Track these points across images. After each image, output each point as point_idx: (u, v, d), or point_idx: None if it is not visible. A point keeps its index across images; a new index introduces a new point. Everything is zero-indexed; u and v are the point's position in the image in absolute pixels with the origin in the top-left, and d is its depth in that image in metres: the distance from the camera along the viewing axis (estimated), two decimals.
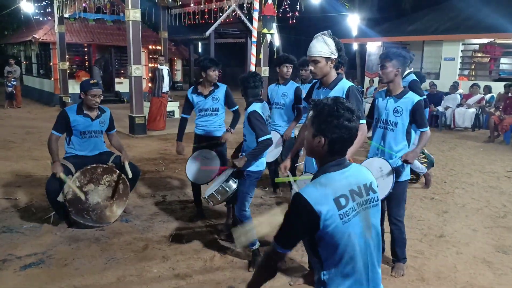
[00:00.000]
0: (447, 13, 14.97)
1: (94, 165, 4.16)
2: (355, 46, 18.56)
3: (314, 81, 3.36)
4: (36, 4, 16.71)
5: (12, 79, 13.62)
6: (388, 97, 3.41)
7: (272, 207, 5.01)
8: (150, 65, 16.32)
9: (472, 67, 13.96)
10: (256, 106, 3.43)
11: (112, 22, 16.26)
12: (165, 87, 10.06)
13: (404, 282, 3.39)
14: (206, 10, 11.68)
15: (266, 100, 4.96)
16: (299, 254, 3.69)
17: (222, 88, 4.44)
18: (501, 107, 9.95)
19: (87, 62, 16.35)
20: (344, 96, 2.95)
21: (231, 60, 24.86)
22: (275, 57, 5.75)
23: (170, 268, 3.51)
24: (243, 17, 15.62)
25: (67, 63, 13.93)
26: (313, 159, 1.81)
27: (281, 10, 8.86)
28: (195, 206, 4.65)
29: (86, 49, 16.21)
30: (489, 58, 13.94)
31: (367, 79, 16.01)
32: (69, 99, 13.51)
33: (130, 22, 8.68)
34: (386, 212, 3.52)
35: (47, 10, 17.46)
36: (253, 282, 1.79)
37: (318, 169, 1.73)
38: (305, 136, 1.77)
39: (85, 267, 3.49)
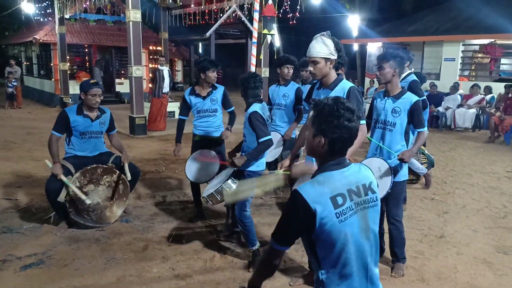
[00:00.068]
0: (448, 13, 14.98)
1: (94, 165, 4.16)
2: (355, 47, 18.56)
3: (314, 81, 3.36)
4: (36, 5, 16.70)
5: (13, 80, 13.64)
6: (386, 98, 3.43)
7: (272, 208, 5.01)
8: (150, 65, 16.33)
9: (473, 67, 13.96)
10: (256, 107, 3.43)
11: (112, 23, 16.27)
12: (166, 87, 10.07)
13: (404, 283, 3.39)
14: (207, 11, 11.69)
15: (267, 101, 4.97)
16: (299, 254, 3.68)
17: (220, 89, 4.47)
18: (501, 107, 9.94)
19: (87, 63, 16.35)
20: (344, 97, 2.95)
21: (232, 61, 24.86)
22: (275, 57, 5.74)
23: (170, 268, 3.51)
24: (243, 18, 15.63)
25: (68, 64, 13.94)
26: (314, 159, 1.81)
27: (281, 10, 8.88)
28: (195, 207, 4.65)
29: (86, 50, 16.21)
30: (489, 59, 13.93)
31: (367, 80, 16.02)
32: (70, 99, 13.53)
33: (131, 22, 8.69)
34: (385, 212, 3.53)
35: (48, 11, 17.46)
36: (253, 281, 1.79)
37: (318, 168, 1.73)
38: (305, 136, 1.77)
39: (85, 267, 3.49)
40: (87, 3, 11.99)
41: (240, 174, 3.51)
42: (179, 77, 20.75)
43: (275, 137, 4.55)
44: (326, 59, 2.94)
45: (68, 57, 13.94)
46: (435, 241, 4.20)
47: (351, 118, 1.64)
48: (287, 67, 4.87)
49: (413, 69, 5.26)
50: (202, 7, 11.75)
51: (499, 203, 5.37)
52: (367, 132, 3.34)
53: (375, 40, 15.98)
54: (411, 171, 5.45)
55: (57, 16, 13.03)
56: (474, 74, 13.85)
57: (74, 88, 13.57)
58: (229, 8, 11.06)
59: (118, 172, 4.30)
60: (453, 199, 5.50)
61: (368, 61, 16.73)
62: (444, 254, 3.90)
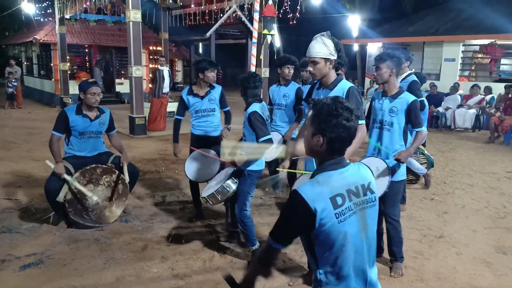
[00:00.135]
0: (448, 14, 14.99)
1: (94, 165, 4.16)
2: (355, 47, 18.56)
3: (314, 82, 3.36)
4: (37, 5, 16.71)
5: (13, 80, 13.64)
6: (384, 98, 3.45)
7: (271, 208, 5.01)
8: (150, 66, 16.33)
9: (473, 68, 13.96)
10: (256, 107, 3.43)
11: (113, 23, 16.27)
12: (166, 88, 10.07)
13: (403, 283, 3.39)
14: (207, 11, 11.70)
15: (267, 101, 4.97)
16: (298, 254, 3.68)
17: (218, 88, 4.49)
18: (501, 108, 9.94)
19: (87, 63, 16.37)
20: (344, 97, 2.95)
21: (232, 61, 24.87)
22: (275, 58, 5.75)
23: (169, 268, 3.51)
24: (243, 18, 15.62)
25: (68, 64, 13.95)
26: (313, 159, 1.81)
27: (281, 11, 8.88)
28: (194, 207, 4.65)
29: (86, 50, 16.23)
30: (489, 59, 13.93)
31: (367, 80, 16.02)
32: (70, 100, 13.53)
33: (131, 23, 8.69)
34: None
35: (48, 11, 17.48)
36: (248, 278, 1.78)
37: (317, 167, 1.73)
38: (304, 136, 1.77)
39: (84, 267, 3.49)
40: (87, 3, 12.00)
41: (240, 174, 3.51)
42: (179, 77, 20.74)
43: (276, 137, 4.55)
44: (326, 59, 2.94)
45: (68, 57, 13.96)
46: (435, 241, 4.20)
47: (350, 117, 1.64)
48: (288, 67, 4.87)
49: (413, 70, 5.26)
50: (202, 7, 11.77)
51: (498, 204, 5.36)
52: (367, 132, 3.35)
53: (375, 40, 16.00)
54: (410, 171, 5.45)
55: (57, 16, 13.04)
56: (474, 74, 13.85)
57: (74, 88, 13.52)
58: (229, 8, 11.06)
59: (117, 172, 4.30)
60: (453, 199, 5.50)
61: (368, 62, 16.74)
62: (443, 254, 3.90)
